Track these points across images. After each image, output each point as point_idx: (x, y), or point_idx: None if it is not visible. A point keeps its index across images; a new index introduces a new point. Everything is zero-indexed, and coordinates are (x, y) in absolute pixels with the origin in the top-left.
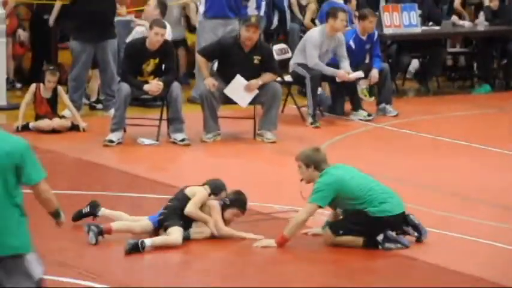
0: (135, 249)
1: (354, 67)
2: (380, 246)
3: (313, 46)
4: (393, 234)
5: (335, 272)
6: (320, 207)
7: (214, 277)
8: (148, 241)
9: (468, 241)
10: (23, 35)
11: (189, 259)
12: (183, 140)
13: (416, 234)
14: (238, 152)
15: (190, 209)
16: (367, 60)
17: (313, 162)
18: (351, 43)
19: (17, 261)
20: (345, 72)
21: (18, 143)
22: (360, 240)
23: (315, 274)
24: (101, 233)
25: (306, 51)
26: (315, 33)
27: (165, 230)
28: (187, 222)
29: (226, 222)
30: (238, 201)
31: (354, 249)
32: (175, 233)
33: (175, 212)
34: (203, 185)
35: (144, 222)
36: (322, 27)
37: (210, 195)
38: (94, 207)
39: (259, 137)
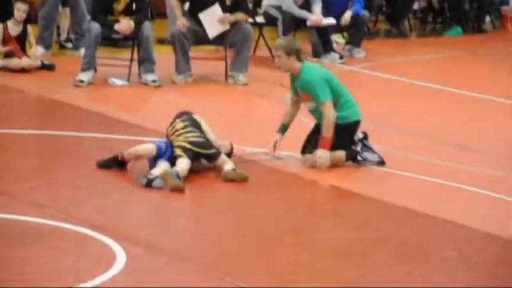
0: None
1: (335, 17)
2: (359, 157)
3: None
4: (370, 144)
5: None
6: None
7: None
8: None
9: (442, 185)
10: None
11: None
12: (154, 81)
13: (376, 159)
14: (209, 94)
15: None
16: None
17: (295, 51)
18: None
19: None
20: (317, 17)
21: None
22: (342, 154)
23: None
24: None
25: None
26: None
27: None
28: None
29: None
30: None
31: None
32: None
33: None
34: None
35: (150, 145)
36: None
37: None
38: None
39: (231, 78)
